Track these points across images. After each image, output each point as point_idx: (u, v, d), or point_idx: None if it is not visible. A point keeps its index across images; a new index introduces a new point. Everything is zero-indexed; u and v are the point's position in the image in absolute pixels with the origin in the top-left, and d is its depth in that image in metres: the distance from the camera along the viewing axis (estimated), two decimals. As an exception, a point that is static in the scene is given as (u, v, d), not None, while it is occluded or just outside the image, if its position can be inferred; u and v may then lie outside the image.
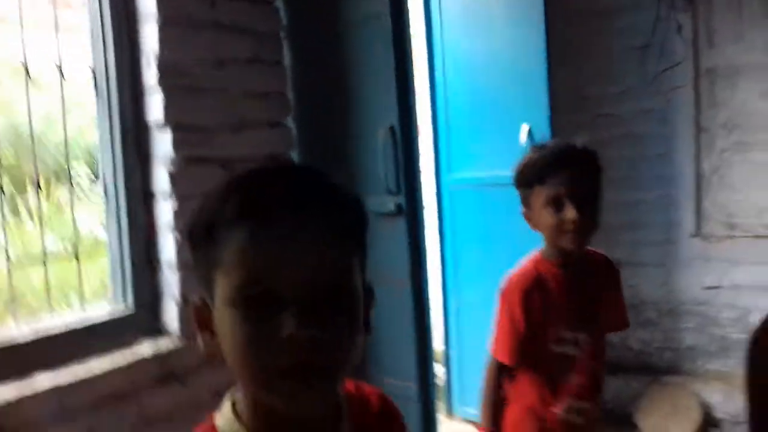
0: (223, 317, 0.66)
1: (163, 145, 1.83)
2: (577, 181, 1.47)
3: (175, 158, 1.82)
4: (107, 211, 1.82)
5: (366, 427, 0.76)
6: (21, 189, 3.06)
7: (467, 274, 2.93)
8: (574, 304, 1.55)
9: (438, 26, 2.91)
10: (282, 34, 2.19)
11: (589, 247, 1.60)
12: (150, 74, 1.80)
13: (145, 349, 1.77)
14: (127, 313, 1.81)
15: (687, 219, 3.01)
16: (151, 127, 1.84)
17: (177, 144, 1.82)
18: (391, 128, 2.06)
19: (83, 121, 3.02)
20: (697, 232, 2.98)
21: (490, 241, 2.79)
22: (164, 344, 1.81)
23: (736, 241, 2.88)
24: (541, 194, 1.48)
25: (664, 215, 3.06)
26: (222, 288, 0.65)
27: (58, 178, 3.25)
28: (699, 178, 2.97)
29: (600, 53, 3.01)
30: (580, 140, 1.56)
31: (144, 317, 1.83)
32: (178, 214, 1.83)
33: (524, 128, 2.68)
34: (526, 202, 1.55)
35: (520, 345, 1.51)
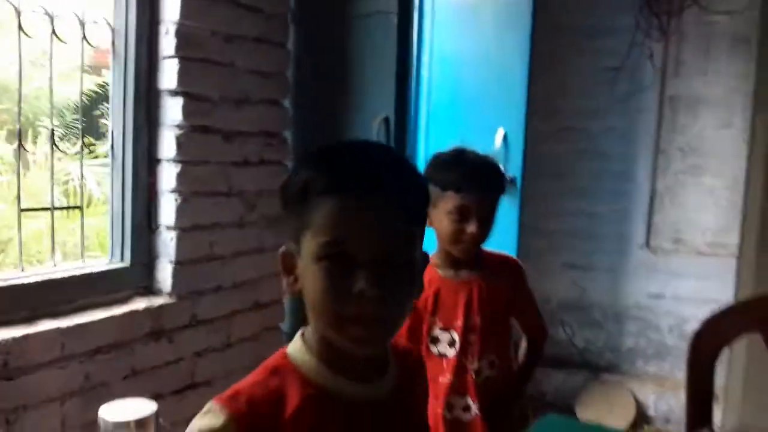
0: (308, 268, 0.78)
1: (172, 112, 1.90)
2: (486, 199, 1.54)
3: (183, 125, 1.90)
4: (113, 171, 1.88)
5: (407, 369, 0.90)
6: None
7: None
8: (456, 306, 1.58)
9: (429, 24, 3.03)
10: (289, 18, 2.28)
11: (488, 250, 1.65)
12: (167, 42, 1.87)
13: (139, 304, 1.85)
14: (124, 268, 1.88)
15: (638, 232, 3.24)
16: (163, 94, 1.90)
17: (186, 112, 1.90)
18: (386, 119, 2.18)
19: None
20: (646, 245, 3.22)
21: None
22: (157, 302, 1.89)
23: (680, 256, 3.13)
24: (451, 201, 1.51)
25: (618, 227, 3.28)
26: (309, 245, 0.78)
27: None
28: (653, 195, 3.20)
29: (576, 70, 3.21)
30: (492, 158, 1.63)
31: (139, 275, 1.91)
32: (180, 179, 1.91)
33: (500, 132, 2.84)
34: (432, 200, 1.52)
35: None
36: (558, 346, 3.31)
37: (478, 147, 2.85)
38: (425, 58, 3.07)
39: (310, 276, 0.78)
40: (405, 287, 0.79)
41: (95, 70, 3.58)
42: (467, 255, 1.58)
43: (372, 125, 2.18)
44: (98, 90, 3.29)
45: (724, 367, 2.58)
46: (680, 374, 2.40)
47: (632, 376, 3.20)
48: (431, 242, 1.63)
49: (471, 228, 1.52)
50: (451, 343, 1.58)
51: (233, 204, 2.10)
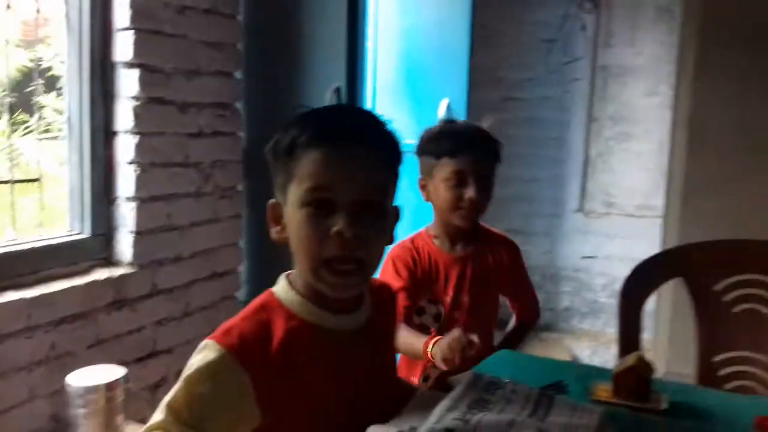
0: (293, 214, 0.88)
1: (128, 84, 1.91)
2: (482, 162, 1.53)
3: (140, 97, 1.92)
4: (70, 143, 1.89)
5: (381, 301, 1.01)
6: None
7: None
8: (448, 281, 1.57)
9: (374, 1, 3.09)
10: (238, -11, 2.30)
11: (487, 226, 1.66)
12: (121, 14, 1.88)
13: (100, 274, 1.88)
14: (85, 239, 1.90)
15: (572, 196, 3.43)
16: (118, 66, 1.91)
17: (142, 84, 1.92)
18: (338, 89, 2.25)
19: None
20: (580, 209, 3.41)
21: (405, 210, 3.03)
22: (117, 272, 1.92)
23: (611, 218, 3.34)
24: (447, 167, 1.52)
25: (553, 192, 3.47)
26: (294, 193, 0.87)
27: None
28: (586, 161, 3.39)
29: (513, 42, 3.34)
30: (487, 124, 1.63)
31: (100, 246, 1.93)
32: (138, 151, 1.93)
33: (444, 102, 2.94)
34: (428, 171, 1.57)
35: None
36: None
37: (423, 116, 2.98)
38: (372, 31, 3.15)
39: (294, 222, 0.87)
40: (379, 233, 0.89)
41: (28, 44, 3.47)
42: (467, 222, 1.56)
43: (324, 95, 2.24)
44: (32, 65, 3.20)
45: (652, 322, 2.80)
46: (612, 330, 2.59)
47: (569, 333, 3.41)
48: (428, 216, 1.66)
49: (469, 192, 1.50)
50: (436, 317, 1.58)
51: (189, 175, 2.13)
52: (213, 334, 0.85)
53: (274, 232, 0.93)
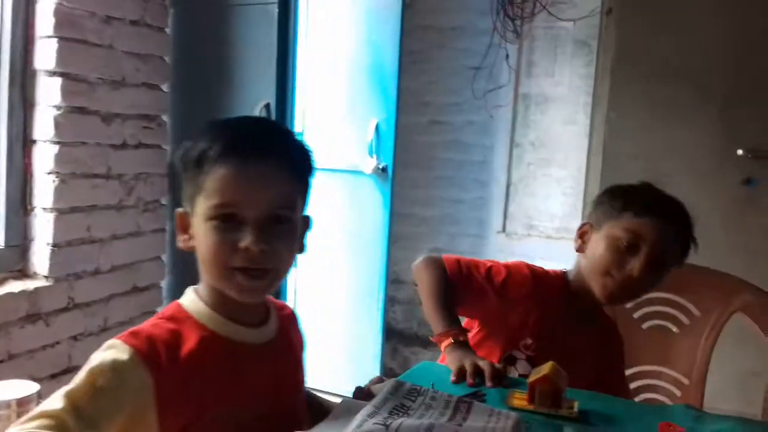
0: (200, 227, 0.89)
1: (50, 92, 1.87)
2: (667, 239, 1.29)
3: (61, 106, 1.87)
4: (-15, 150, 1.82)
5: (283, 319, 1.03)
6: None
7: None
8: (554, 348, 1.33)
9: (305, 18, 3.13)
10: (168, 2, 2.29)
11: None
12: (44, 22, 1.84)
13: (14, 287, 1.81)
14: (-2, 251, 1.83)
15: (496, 218, 3.53)
16: (39, 74, 1.87)
17: (64, 92, 1.88)
18: (267, 105, 2.26)
19: None
20: (503, 230, 3.52)
21: (334, 229, 3.02)
22: (33, 285, 1.85)
23: (532, 240, 3.46)
24: (624, 223, 1.29)
25: (478, 213, 3.56)
26: (202, 206, 0.88)
27: None
28: (508, 185, 3.51)
29: (441, 68, 3.44)
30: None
31: (15, 258, 1.86)
32: (58, 160, 1.88)
33: (373, 122, 3.00)
34: (599, 221, 1.34)
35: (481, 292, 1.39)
36: (426, 326, 3.54)
37: (353, 136, 3.02)
38: (302, 50, 3.18)
39: (202, 233, 0.88)
40: (286, 244, 0.91)
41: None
42: (610, 298, 1.33)
43: (254, 111, 2.25)
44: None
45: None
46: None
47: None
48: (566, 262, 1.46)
49: (635, 264, 1.27)
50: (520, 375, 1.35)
51: (112, 186, 2.09)
52: (120, 335, 0.84)
53: (181, 240, 0.93)
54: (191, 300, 0.93)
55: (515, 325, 1.38)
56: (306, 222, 0.97)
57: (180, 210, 0.93)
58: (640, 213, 1.28)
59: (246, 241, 0.85)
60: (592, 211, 1.40)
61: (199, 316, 0.91)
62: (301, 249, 0.96)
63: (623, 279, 1.29)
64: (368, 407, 0.95)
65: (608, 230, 1.31)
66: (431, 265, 1.46)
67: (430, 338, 1.34)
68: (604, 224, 1.33)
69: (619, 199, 1.33)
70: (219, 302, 0.91)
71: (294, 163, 0.92)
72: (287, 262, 0.92)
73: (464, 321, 1.43)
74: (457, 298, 1.39)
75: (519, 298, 1.38)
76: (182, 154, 0.91)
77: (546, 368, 1.16)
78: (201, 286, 0.94)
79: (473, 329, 1.45)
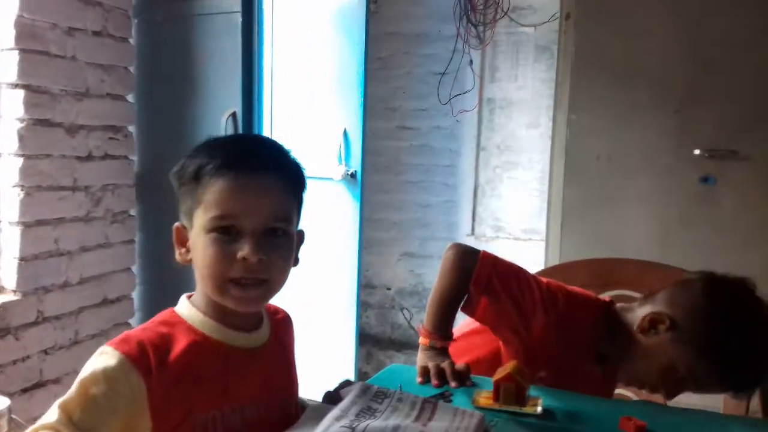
0: (198, 239, 0.90)
1: (12, 105, 1.86)
2: None
3: (24, 119, 1.86)
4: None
5: (277, 324, 1.05)
6: None
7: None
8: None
9: (270, 25, 3.14)
10: (131, 13, 2.29)
11: None
12: (5, 34, 1.83)
13: (-20, 302, 1.79)
14: (-38, 266, 1.81)
15: (464, 221, 3.58)
16: (1, 87, 1.86)
17: (27, 105, 1.87)
18: (233, 114, 2.27)
19: None
20: (472, 232, 3.56)
21: (306, 236, 3.04)
22: (1, 299, 1.84)
23: (500, 242, 3.51)
24: None
25: (447, 216, 3.61)
26: (201, 218, 0.90)
27: None
28: (476, 188, 3.56)
29: (407, 74, 3.48)
30: None
31: (-21, 272, 1.85)
32: (23, 173, 1.87)
33: (340, 129, 3.01)
34: None
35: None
36: (399, 330, 3.57)
37: (321, 143, 3.03)
38: (268, 58, 3.19)
39: (200, 246, 0.90)
40: (282, 256, 0.93)
41: None
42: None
43: (220, 120, 2.26)
44: None
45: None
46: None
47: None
48: None
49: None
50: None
51: (78, 198, 2.08)
52: (111, 341, 0.86)
53: (178, 254, 0.95)
54: (184, 306, 0.95)
55: (533, 353, 1.35)
56: (300, 236, 1.00)
57: (177, 224, 0.95)
58: None
59: (244, 251, 0.87)
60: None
61: (192, 321, 0.93)
62: (295, 262, 0.99)
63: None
64: (335, 410, 0.97)
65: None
66: (461, 262, 1.40)
67: (417, 327, 1.33)
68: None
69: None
70: (213, 309, 0.93)
71: (289, 178, 0.95)
72: (283, 274, 0.94)
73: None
74: (471, 304, 1.38)
75: (541, 330, 1.33)
76: (178, 170, 0.93)
77: (509, 367, 1.19)
78: (195, 294, 0.96)
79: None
